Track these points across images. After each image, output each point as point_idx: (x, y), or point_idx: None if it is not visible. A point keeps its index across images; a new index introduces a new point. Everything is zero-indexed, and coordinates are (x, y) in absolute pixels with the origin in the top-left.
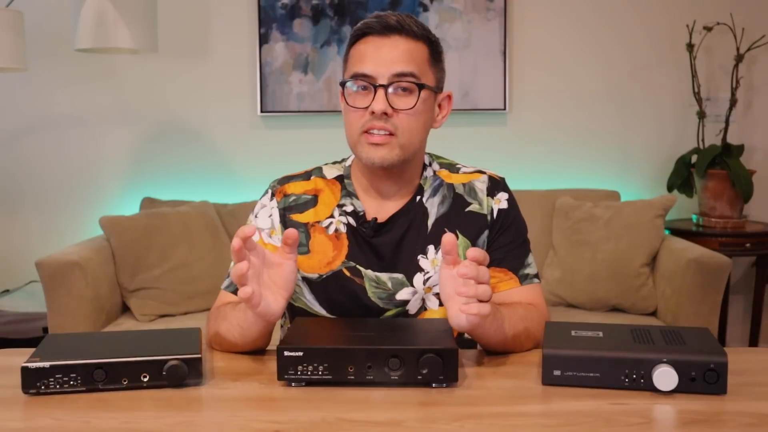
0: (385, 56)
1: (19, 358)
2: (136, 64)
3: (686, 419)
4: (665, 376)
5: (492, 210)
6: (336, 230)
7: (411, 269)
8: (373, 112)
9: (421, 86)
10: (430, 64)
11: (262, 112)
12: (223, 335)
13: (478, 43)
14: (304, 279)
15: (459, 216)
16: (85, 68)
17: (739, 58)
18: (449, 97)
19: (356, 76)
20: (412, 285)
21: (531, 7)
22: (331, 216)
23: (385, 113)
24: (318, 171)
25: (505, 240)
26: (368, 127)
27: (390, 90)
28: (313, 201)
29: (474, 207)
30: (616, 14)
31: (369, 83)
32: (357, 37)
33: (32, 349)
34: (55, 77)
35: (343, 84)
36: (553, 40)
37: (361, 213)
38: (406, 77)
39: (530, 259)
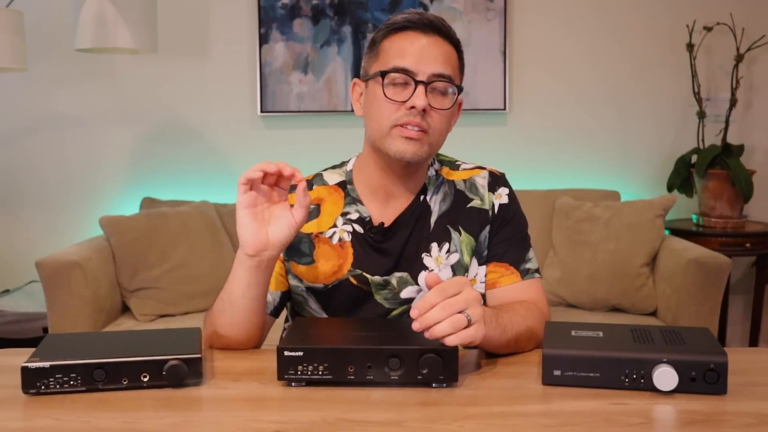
0: (427, 54)
1: (19, 358)
2: (136, 64)
3: (686, 419)
4: (665, 376)
5: (493, 205)
6: (340, 239)
7: (415, 268)
8: (412, 107)
9: (459, 88)
10: (460, 71)
11: (262, 112)
12: (216, 318)
13: (478, 43)
14: (310, 289)
15: (461, 212)
16: (85, 68)
17: (739, 58)
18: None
19: (397, 70)
20: (417, 284)
21: (531, 7)
22: (334, 226)
23: (424, 110)
24: (319, 179)
25: (506, 234)
26: (404, 122)
27: (428, 88)
28: (316, 211)
29: (475, 203)
30: (616, 14)
31: (410, 78)
32: (395, 30)
33: (32, 349)
34: (55, 77)
35: (383, 75)
36: (553, 40)
37: (367, 218)
38: (444, 79)
39: (531, 253)
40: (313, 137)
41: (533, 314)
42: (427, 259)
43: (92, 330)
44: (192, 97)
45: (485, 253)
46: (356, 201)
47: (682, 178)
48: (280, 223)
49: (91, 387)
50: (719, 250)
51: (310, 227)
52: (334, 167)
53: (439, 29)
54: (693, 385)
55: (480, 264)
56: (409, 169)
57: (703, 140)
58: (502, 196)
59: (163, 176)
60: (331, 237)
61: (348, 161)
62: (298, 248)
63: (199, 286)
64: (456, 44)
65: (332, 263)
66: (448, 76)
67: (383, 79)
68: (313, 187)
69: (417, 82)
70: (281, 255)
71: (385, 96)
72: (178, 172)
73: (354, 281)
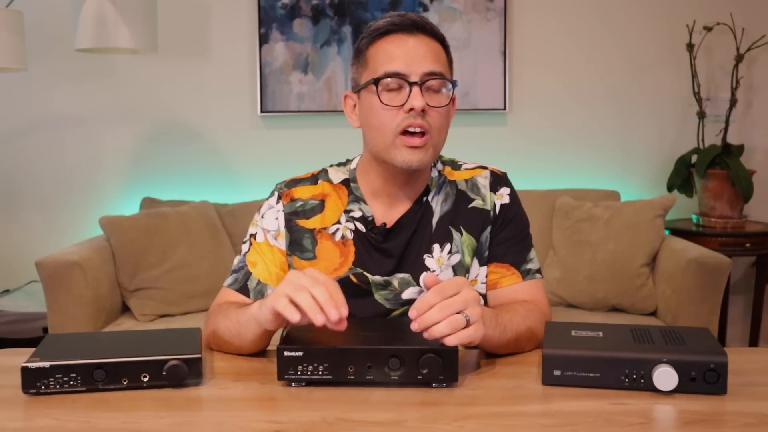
0: (416, 54)
1: (19, 358)
2: (136, 64)
3: (686, 419)
4: (665, 376)
5: (495, 205)
6: (342, 236)
7: (417, 269)
8: (411, 109)
9: (453, 83)
10: (449, 66)
11: (262, 112)
12: (221, 333)
13: (478, 43)
14: None
15: (462, 213)
16: (85, 68)
17: (739, 58)
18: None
19: (389, 75)
20: (418, 284)
21: (531, 7)
22: (338, 222)
23: (423, 110)
24: (324, 174)
25: (507, 235)
26: (406, 125)
27: (423, 87)
28: (320, 206)
29: (477, 203)
30: (616, 14)
31: (403, 80)
32: (379, 35)
33: (32, 349)
34: (55, 77)
35: (376, 82)
36: (553, 40)
37: (370, 218)
38: (437, 76)
39: (532, 254)
40: (313, 137)
41: (534, 314)
42: (428, 261)
43: (92, 330)
44: (192, 97)
45: (486, 253)
46: (359, 199)
47: (682, 178)
48: None
49: (91, 387)
50: (719, 250)
51: (313, 223)
52: (339, 164)
53: (423, 27)
54: (693, 385)
55: (481, 265)
56: (413, 175)
57: (703, 140)
58: (503, 196)
59: (163, 176)
60: (334, 234)
61: (352, 160)
62: (301, 243)
63: (199, 286)
64: (441, 40)
65: (333, 260)
66: (440, 72)
67: (377, 87)
68: (318, 182)
69: (411, 84)
70: (284, 249)
71: (382, 103)
72: (178, 172)
73: (354, 279)
